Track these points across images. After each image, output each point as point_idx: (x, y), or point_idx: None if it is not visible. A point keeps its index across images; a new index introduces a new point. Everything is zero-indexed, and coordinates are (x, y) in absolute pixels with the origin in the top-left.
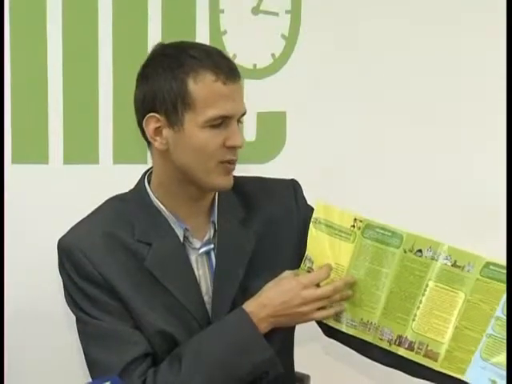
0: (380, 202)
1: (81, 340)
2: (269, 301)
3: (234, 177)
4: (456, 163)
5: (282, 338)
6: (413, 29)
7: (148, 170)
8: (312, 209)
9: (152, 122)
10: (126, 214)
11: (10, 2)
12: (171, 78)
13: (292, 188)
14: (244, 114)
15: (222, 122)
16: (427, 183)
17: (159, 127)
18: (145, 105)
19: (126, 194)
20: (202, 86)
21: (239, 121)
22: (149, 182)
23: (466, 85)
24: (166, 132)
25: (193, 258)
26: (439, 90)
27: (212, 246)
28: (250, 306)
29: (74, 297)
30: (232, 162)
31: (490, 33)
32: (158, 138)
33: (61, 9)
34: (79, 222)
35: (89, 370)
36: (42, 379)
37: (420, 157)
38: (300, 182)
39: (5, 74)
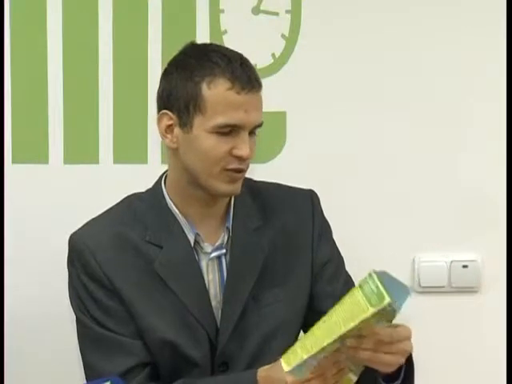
0: (380, 201)
1: (78, 341)
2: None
3: (253, 182)
4: (456, 163)
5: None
6: (413, 29)
7: (167, 171)
8: (327, 223)
9: (165, 118)
10: (140, 214)
11: (10, 1)
12: (187, 78)
13: (310, 200)
14: (259, 126)
15: (231, 131)
16: (427, 183)
17: (171, 125)
18: (161, 101)
19: (143, 193)
20: (214, 91)
21: (253, 132)
22: (165, 183)
23: (466, 85)
24: (176, 131)
25: (203, 262)
26: (439, 89)
27: (224, 251)
28: (262, 372)
29: (79, 293)
30: (238, 171)
31: (490, 32)
32: (168, 136)
33: (61, 9)
34: (94, 219)
35: (84, 371)
36: (42, 380)
37: (420, 157)
38: (300, 182)
39: (5, 73)
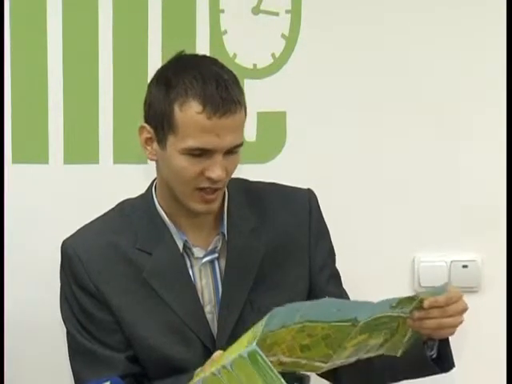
0: (380, 201)
1: (67, 349)
2: None
3: (249, 182)
4: (456, 163)
5: None
6: (413, 29)
7: None
8: (325, 224)
9: (144, 131)
10: (131, 221)
11: (10, 1)
12: (163, 95)
13: (307, 199)
14: (238, 146)
15: (203, 153)
16: (427, 183)
17: (150, 138)
18: (144, 111)
19: (135, 198)
20: (186, 114)
21: (231, 152)
22: (156, 189)
23: (466, 85)
24: (155, 145)
25: (195, 268)
26: (439, 89)
27: (216, 255)
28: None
29: (67, 299)
30: (210, 192)
31: (490, 32)
32: (148, 148)
33: (61, 9)
34: (85, 226)
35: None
36: (42, 381)
37: (420, 157)
38: (300, 182)
39: (5, 73)
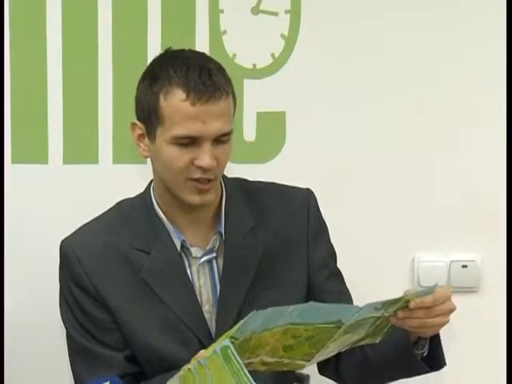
0: (380, 201)
1: (67, 348)
2: None
3: (247, 182)
4: (456, 163)
5: None
6: (413, 29)
7: None
8: (324, 223)
9: (136, 128)
10: (130, 220)
11: (10, 2)
12: (149, 88)
13: (306, 199)
14: (227, 134)
15: (191, 141)
16: (427, 183)
17: (142, 134)
18: (135, 109)
19: (134, 198)
20: (170, 103)
21: (220, 140)
22: (153, 188)
23: (466, 85)
24: (146, 141)
25: (193, 267)
26: (439, 89)
27: (214, 254)
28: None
29: (66, 298)
30: (203, 182)
31: (490, 32)
32: (141, 145)
33: (60, 9)
34: (84, 225)
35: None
36: (41, 381)
37: (420, 157)
38: (299, 182)
39: (5, 73)
